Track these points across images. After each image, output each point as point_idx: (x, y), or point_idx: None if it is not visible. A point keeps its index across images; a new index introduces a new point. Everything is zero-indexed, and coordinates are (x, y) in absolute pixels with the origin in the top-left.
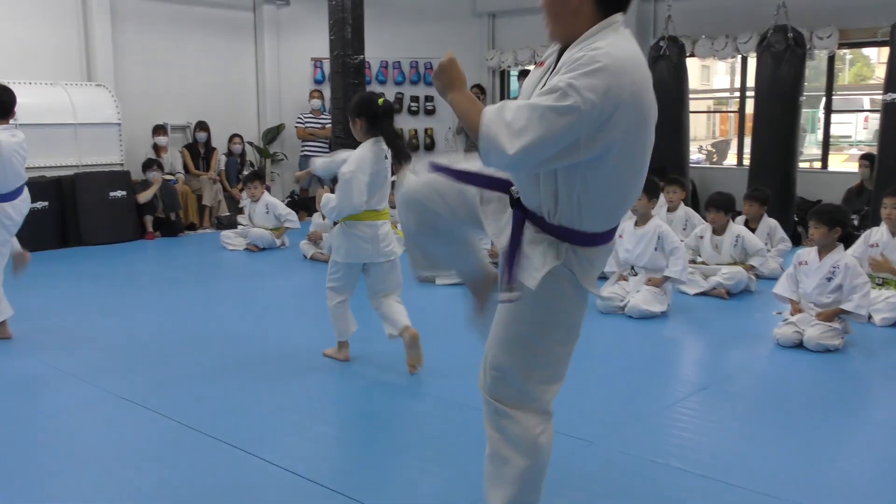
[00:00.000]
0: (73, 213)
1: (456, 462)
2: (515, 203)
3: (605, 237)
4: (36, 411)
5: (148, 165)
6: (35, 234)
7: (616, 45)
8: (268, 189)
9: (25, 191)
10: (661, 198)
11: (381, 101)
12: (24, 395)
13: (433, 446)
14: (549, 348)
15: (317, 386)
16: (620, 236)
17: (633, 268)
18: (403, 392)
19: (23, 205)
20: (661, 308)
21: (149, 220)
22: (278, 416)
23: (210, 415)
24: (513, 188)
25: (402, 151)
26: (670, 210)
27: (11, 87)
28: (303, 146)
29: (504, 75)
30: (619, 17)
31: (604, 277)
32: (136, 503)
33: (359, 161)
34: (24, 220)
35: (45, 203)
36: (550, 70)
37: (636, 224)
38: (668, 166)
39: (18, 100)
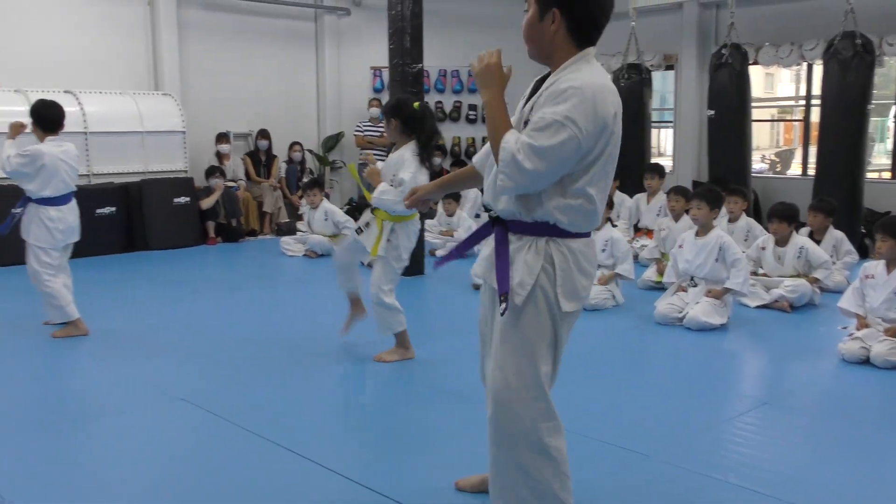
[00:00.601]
0: (139, 218)
1: None
2: (495, 221)
3: (581, 232)
4: (97, 410)
5: (211, 172)
6: (102, 239)
7: (593, 76)
8: (327, 196)
9: (73, 201)
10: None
11: (416, 104)
12: (84, 394)
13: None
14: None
15: (374, 391)
16: (681, 246)
17: (692, 278)
18: (458, 399)
19: (69, 213)
20: (720, 320)
21: (211, 225)
22: (333, 420)
23: (265, 417)
24: (490, 211)
25: (429, 156)
26: (731, 220)
27: (84, 96)
28: (361, 154)
29: None
30: (591, 50)
31: (661, 288)
32: (180, 499)
33: (416, 167)
34: (90, 225)
35: (113, 208)
36: (531, 97)
37: (697, 234)
38: (730, 176)
39: (90, 109)
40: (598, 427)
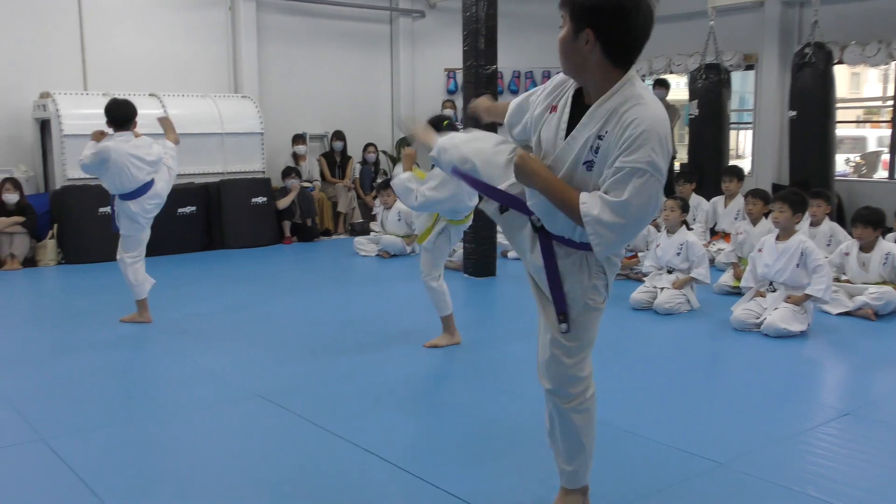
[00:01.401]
0: (218, 217)
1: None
2: (539, 230)
3: None
4: (178, 405)
5: (287, 173)
6: (183, 237)
7: (653, 108)
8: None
9: (152, 188)
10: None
11: (445, 123)
12: (166, 388)
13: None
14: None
15: (445, 390)
16: (760, 250)
17: (771, 284)
18: (525, 398)
19: (147, 201)
20: (800, 327)
21: (287, 225)
22: (403, 419)
23: (338, 415)
24: (533, 217)
25: None
26: (813, 224)
27: (168, 99)
28: None
29: None
30: (633, 72)
31: (738, 293)
32: (260, 498)
33: (441, 180)
34: (171, 224)
35: (194, 208)
36: (566, 115)
37: (777, 238)
38: (812, 179)
39: (173, 111)
40: (671, 433)
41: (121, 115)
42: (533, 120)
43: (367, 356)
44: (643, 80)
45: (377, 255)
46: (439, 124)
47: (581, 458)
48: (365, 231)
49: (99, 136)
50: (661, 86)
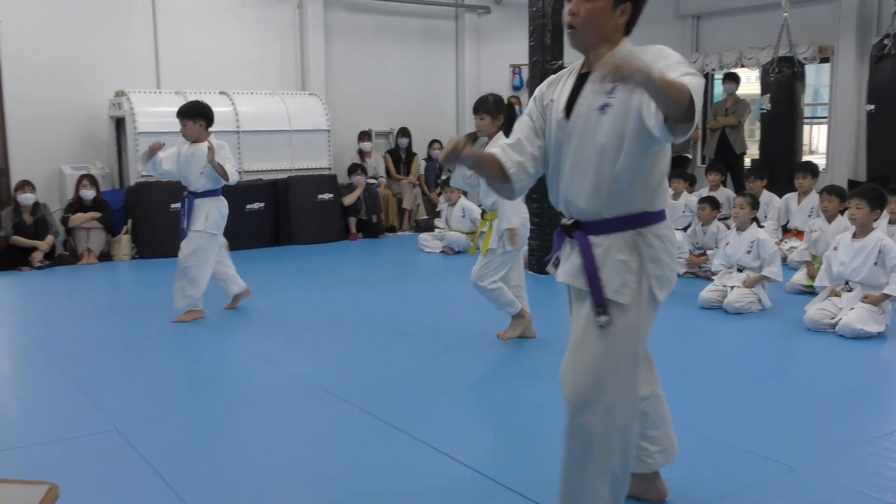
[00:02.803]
0: (286, 213)
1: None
2: (572, 228)
3: (662, 213)
4: (244, 397)
5: (353, 170)
6: (252, 233)
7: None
8: (464, 194)
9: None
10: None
11: (506, 103)
12: (230, 381)
13: None
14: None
15: (513, 388)
16: (835, 248)
17: (847, 283)
18: None
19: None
20: (878, 328)
21: (352, 221)
22: (467, 416)
23: (402, 409)
24: (563, 219)
25: None
26: (892, 222)
27: (237, 97)
28: None
29: (707, 79)
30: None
31: (812, 293)
32: (330, 492)
33: None
34: (240, 220)
35: (262, 204)
36: (569, 85)
37: (854, 236)
38: (891, 175)
39: (242, 108)
40: (742, 436)
41: (211, 115)
42: (544, 126)
43: (433, 352)
44: (713, 74)
45: (441, 251)
46: (512, 107)
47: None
48: (429, 227)
49: (157, 147)
50: (731, 80)
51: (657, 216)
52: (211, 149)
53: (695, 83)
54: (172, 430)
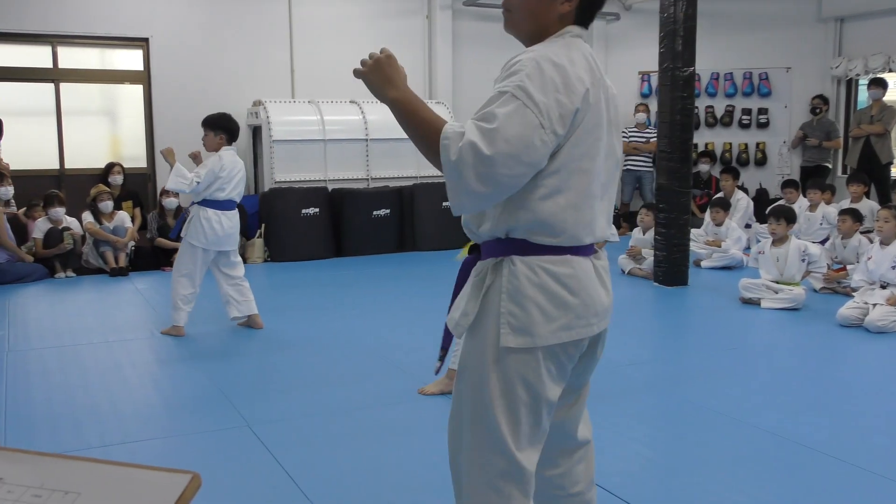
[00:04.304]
0: (411, 220)
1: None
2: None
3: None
4: (369, 399)
5: None
6: (378, 239)
7: (546, 48)
8: None
9: (235, 209)
10: None
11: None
12: (357, 383)
13: (741, 474)
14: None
15: (627, 401)
16: None
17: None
18: (713, 412)
19: (227, 219)
20: None
21: None
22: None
23: None
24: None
25: None
26: None
27: (366, 105)
28: (626, 160)
29: (851, 84)
30: (575, 29)
31: (848, 294)
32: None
33: None
34: (366, 225)
35: (388, 210)
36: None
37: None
38: None
39: (371, 117)
40: (887, 464)
41: (233, 129)
42: None
43: None
44: (857, 80)
45: None
46: None
47: None
48: None
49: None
50: (877, 86)
51: (544, 247)
52: (196, 156)
53: (469, 135)
54: (301, 428)
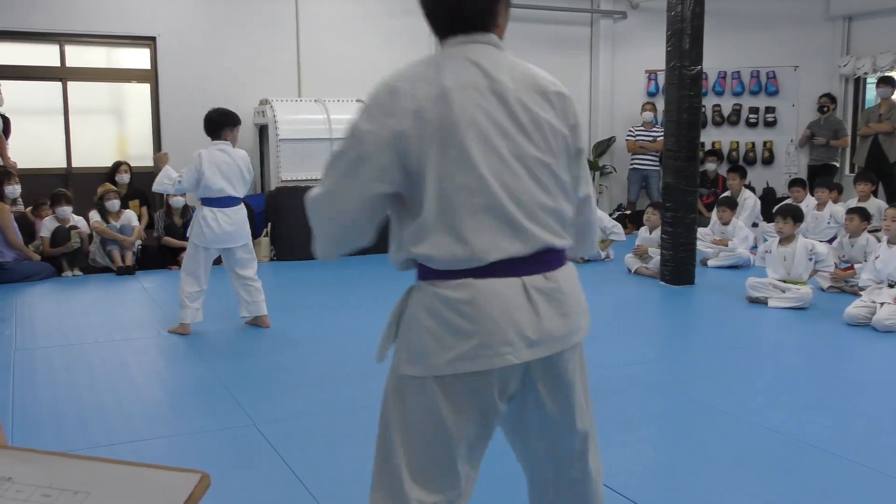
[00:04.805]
0: None
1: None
2: None
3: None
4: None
5: None
6: (384, 238)
7: (397, 72)
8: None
9: (237, 206)
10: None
11: None
12: (364, 382)
13: (759, 481)
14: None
15: (634, 401)
16: None
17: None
18: (721, 411)
19: (224, 216)
20: None
21: None
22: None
23: None
24: None
25: None
26: None
27: None
28: (632, 159)
29: (859, 83)
30: (448, 42)
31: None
32: None
33: None
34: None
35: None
36: None
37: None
38: None
39: None
40: (893, 464)
41: (211, 123)
42: None
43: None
44: (865, 78)
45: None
46: None
47: None
48: None
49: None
50: (885, 84)
51: (439, 272)
52: (160, 158)
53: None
54: (306, 427)
